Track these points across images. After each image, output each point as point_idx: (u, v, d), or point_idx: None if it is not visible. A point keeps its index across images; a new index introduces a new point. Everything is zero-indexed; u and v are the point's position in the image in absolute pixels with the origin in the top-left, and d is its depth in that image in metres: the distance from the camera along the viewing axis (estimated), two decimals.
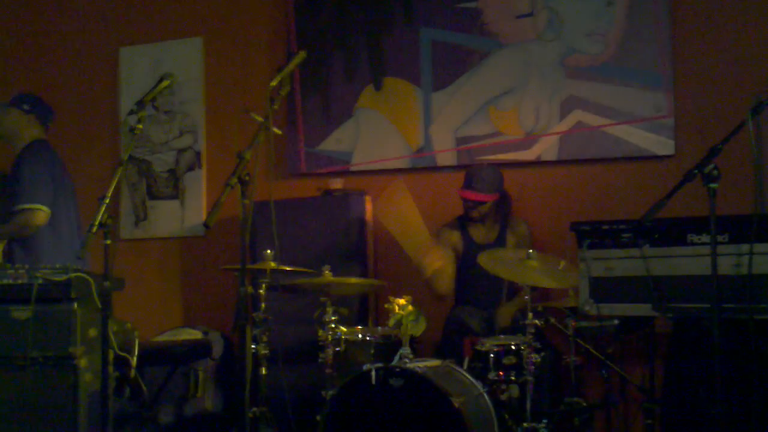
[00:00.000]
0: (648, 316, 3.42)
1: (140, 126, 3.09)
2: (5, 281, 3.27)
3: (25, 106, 4.26)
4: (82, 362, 3.11)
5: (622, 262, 3.21)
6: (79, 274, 3.25)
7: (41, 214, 3.92)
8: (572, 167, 4.57)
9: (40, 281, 3.21)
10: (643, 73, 4.41)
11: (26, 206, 3.91)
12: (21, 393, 3.08)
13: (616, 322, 3.74)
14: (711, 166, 2.86)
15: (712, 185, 2.85)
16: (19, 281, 3.25)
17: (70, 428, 3.02)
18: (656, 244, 3.17)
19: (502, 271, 3.79)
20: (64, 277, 3.21)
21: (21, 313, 3.21)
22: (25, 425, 3.05)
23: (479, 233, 4.32)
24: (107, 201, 2.92)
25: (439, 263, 4.13)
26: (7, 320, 3.21)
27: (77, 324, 3.18)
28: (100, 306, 3.14)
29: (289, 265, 3.84)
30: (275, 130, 3.15)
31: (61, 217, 4.06)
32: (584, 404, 3.75)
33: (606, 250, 3.24)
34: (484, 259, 3.75)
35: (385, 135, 4.94)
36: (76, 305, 3.21)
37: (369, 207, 4.81)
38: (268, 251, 3.85)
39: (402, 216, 4.02)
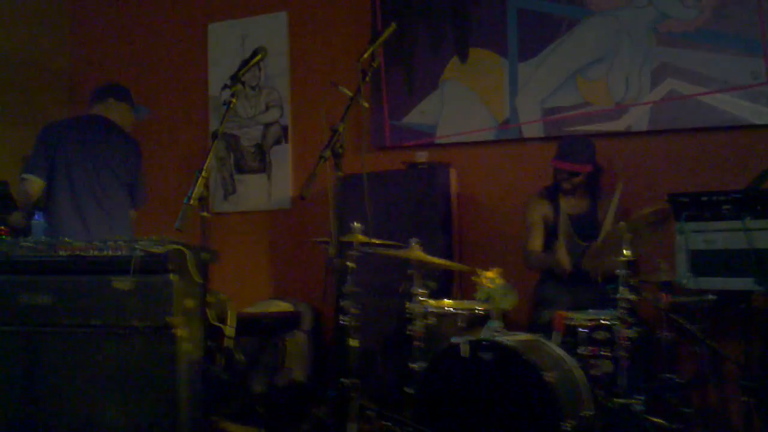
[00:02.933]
0: (745, 291, 3.31)
1: (235, 100, 3.14)
2: (106, 253, 3.37)
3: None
4: (181, 332, 3.18)
5: (722, 235, 3.12)
6: (176, 246, 3.31)
7: (33, 183, 4.08)
8: (664, 138, 4.45)
9: (140, 253, 3.29)
10: (740, 38, 4.25)
11: (22, 175, 4.11)
12: (123, 361, 3.18)
13: (711, 296, 3.64)
14: None
15: None
16: (119, 253, 3.34)
17: (171, 396, 3.10)
18: (759, 216, 3.07)
19: None
20: (162, 249, 3.28)
21: (121, 283, 3.30)
22: (128, 392, 3.15)
23: (569, 204, 4.26)
24: (205, 174, 2.99)
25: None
26: (109, 290, 3.30)
27: (174, 295, 3.24)
28: (196, 277, 3.21)
29: (375, 237, 3.85)
30: (363, 103, 3.16)
31: (57, 190, 4.15)
32: (679, 380, 3.67)
33: (705, 222, 3.15)
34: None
35: (470, 107, 4.89)
36: (172, 276, 3.27)
37: (454, 179, 4.79)
38: (356, 224, 3.86)
39: None
